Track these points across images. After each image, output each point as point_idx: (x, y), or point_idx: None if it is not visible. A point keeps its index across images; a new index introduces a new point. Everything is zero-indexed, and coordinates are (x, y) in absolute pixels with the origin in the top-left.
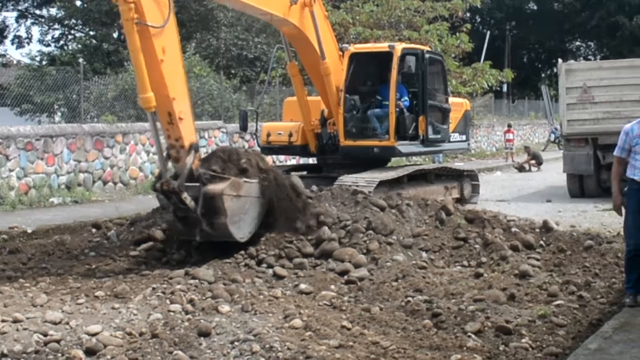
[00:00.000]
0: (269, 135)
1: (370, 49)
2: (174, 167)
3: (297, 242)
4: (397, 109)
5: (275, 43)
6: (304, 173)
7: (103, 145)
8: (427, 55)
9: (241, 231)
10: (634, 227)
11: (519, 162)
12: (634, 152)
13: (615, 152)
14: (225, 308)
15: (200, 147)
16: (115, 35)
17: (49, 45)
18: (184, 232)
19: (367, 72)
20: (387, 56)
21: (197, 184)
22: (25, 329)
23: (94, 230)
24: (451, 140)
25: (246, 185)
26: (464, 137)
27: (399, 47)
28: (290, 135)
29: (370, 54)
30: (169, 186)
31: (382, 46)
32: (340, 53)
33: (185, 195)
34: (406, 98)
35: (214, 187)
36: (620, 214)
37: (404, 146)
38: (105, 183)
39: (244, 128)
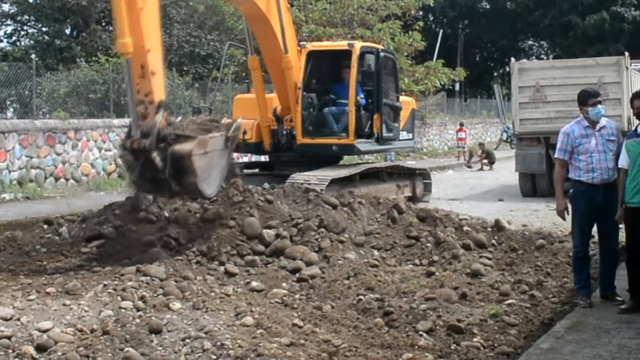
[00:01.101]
0: None
1: (329, 47)
2: (141, 125)
3: (249, 239)
4: (355, 107)
5: (228, 40)
6: (256, 170)
7: (55, 141)
8: (382, 54)
9: (210, 187)
10: (580, 229)
11: (470, 151)
12: (577, 152)
13: (557, 155)
14: (176, 305)
15: None
16: (67, 31)
17: (1, 41)
18: (151, 192)
19: (323, 70)
20: (345, 54)
21: (164, 144)
22: None
23: (45, 226)
24: (400, 138)
25: (212, 141)
26: (411, 136)
27: (358, 45)
28: (245, 132)
29: (328, 52)
30: (139, 145)
31: (341, 44)
32: (299, 48)
33: (155, 154)
34: (362, 96)
35: (182, 147)
36: (564, 219)
37: (362, 144)
38: (57, 179)
39: None
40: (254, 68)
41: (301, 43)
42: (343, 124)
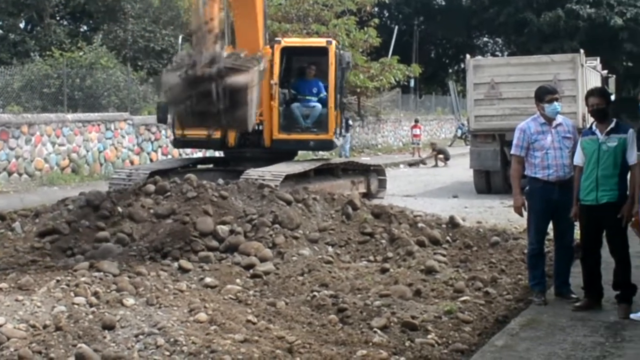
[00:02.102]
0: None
1: (304, 44)
2: (203, 53)
3: (203, 235)
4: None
5: (183, 35)
6: (211, 166)
7: (8, 136)
8: (342, 52)
9: (252, 120)
10: (536, 226)
11: (425, 157)
12: (533, 149)
13: (513, 151)
14: (130, 301)
15: (106, 139)
16: (22, 25)
17: None
18: (195, 124)
19: (292, 67)
20: (319, 51)
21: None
22: None
23: None
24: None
25: (258, 74)
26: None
27: (334, 43)
28: None
29: (302, 49)
30: (203, 73)
31: (318, 41)
32: (271, 44)
33: (216, 84)
34: (325, 93)
35: (239, 79)
36: (522, 215)
37: (336, 140)
38: (10, 174)
39: (163, 120)
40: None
41: (276, 39)
42: (314, 120)
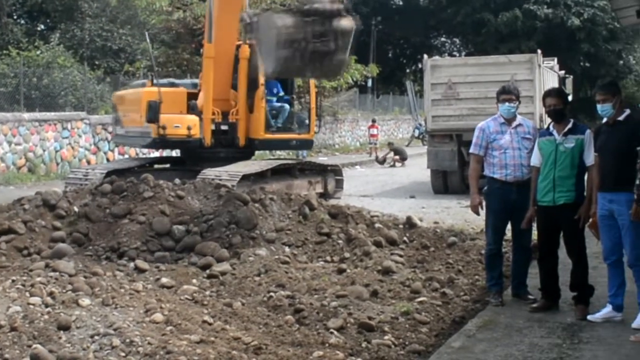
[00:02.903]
0: (164, 128)
1: None
2: None
3: (160, 235)
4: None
5: (140, 35)
6: (167, 166)
7: None
8: None
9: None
10: (494, 227)
11: (382, 156)
12: (491, 148)
13: (472, 150)
14: (85, 301)
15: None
16: None
17: None
18: (294, 71)
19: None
20: None
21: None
22: None
23: None
24: None
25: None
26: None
27: None
28: (190, 128)
29: None
30: (326, 8)
31: None
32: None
33: (333, 22)
34: (282, 93)
35: (348, 23)
36: (478, 214)
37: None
38: None
39: (154, 119)
40: (210, 56)
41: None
42: (283, 119)
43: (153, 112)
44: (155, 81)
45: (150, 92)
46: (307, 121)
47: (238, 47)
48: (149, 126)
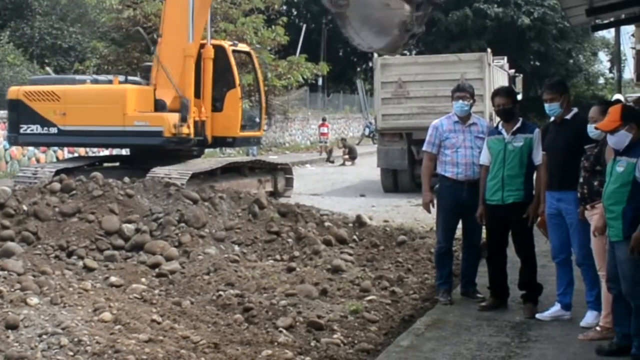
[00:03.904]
0: (180, 126)
1: (242, 48)
2: None
3: (109, 234)
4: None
5: (90, 33)
6: (117, 164)
7: None
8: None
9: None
10: (444, 225)
11: (330, 149)
12: (444, 146)
13: (425, 148)
14: (34, 300)
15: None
16: None
17: None
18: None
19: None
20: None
21: None
22: None
23: None
24: None
25: None
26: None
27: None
28: (189, 127)
29: (235, 52)
30: None
31: (242, 46)
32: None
33: None
34: None
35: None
36: (430, 211)
37: None
38: None
39: (186, 118)
40: (192, 55)
41: (234, 42)
42: (247, 118)
43: (186, 110)
44: (123, 79)
45: (144, 90)
46: (257, 119)
47: (202, 46)
48: (147, 123)
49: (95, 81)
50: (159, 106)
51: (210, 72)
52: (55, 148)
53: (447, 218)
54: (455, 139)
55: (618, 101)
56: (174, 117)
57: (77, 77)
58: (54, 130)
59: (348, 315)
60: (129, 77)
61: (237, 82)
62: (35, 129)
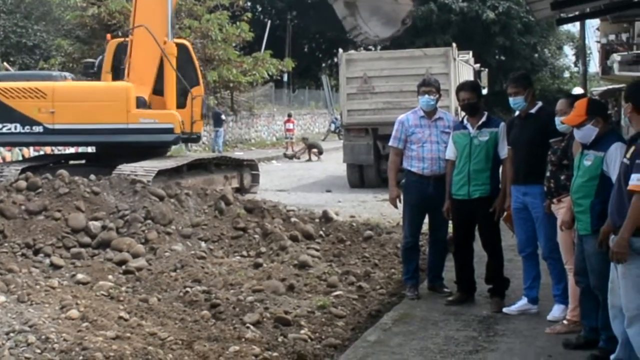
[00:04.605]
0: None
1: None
2: None
3: (75, 232)
4: None
5: (55, 31)
6: (83, 162)
7: None
8: None
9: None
10: (410, 220)
11: (295, 152)
12: (410, 141)
13: (391, 143)
14: (0, 298)
15: None
16: None
17: None
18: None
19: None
20: None
21: None
22: None
23: None
24: None
25: None
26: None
27: None
28: (184, 123)
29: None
30: None
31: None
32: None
33: None
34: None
35: None
36: (396, 206)
37: None
38: None
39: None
40: (173, 53)
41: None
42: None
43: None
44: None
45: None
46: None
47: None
48: (156, 121)
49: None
50: (140, 103)
51: (171, 69)
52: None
53: (413, 213)
54: (421, 134)
55: (583, 95)
56: (180, 115)
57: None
58: (38, 129)
59: (315, 310)
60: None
61: (201, 79)
62: (14, 127)
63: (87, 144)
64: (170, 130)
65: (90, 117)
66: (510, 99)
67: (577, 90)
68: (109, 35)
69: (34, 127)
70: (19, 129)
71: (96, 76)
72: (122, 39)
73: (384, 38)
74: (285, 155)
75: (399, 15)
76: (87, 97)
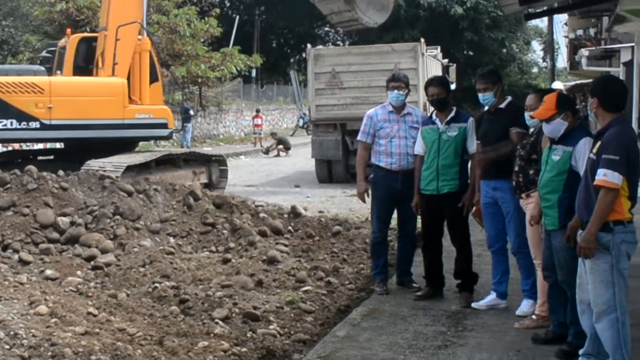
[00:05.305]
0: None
1: None
2: None
3: (44, 227)
4: None
5: (23, 27)
6: (51, 157)
7: None
8: None
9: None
10: (379, 215)
11: (266, 146)
12: (378, 136)
13: (359, 137)
14: None
15: None
16: None
17: None
18: None
19: None
20: None
21: None
22: None
23: None
24: None
25: None
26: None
27: None
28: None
29: None
30: None
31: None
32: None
33: None
34: None
35: None
36: (364, 201)
37: None
38: None
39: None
40: (147, 50)
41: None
42: None
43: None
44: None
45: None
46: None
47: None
48: (152, 116)
49: None
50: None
51: (146, 64)
52: None
53: (381, 208)
54: (390, 129)
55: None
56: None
57: None
58: (35, 124)
59: (284, 306)
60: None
61: (160, 76)
62: (10, 124)
63: (83, 140)
64: (164, 125)
65: (87, 112)
66: (480, 95)
67: (557, 85)
68: (69, 30)
69: (30, 123)
70: (15, 125)
71: (49, 72)
72: (83, 34)
73: (381, 23)
74: (262, 152)
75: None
76: (84, 92)
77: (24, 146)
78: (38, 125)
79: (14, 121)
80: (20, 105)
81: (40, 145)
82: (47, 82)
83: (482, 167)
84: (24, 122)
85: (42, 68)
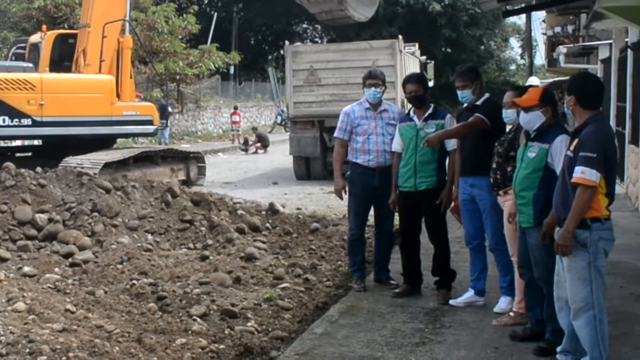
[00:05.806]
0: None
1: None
2: None
3: (21, 224)
4: None
5: (1, 24)
6: (29, 154)
7: None
8: None
9: None
10: (356, 212)
11: (245, 138)
12: (355, 133)
13: (336, 134)
14: None
15: None
16: None
17: None
18: None
19: None
20: None
21: None
22: None
23: None
24: None
25: None
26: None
27: None
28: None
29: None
30: None
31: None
32: None
33: None
34: None
35: None
36: (342, 198)
37: None
38: None
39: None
40: (128, 47)
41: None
42: None
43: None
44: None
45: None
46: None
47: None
48: (138, 113)
49: None
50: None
51: (128, 60)
52: None
53: (359, 205)
54: (367, 126)
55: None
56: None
57: None
58: (27, 121)
59: (262, 303)
60: None
61: (131, 73)
62: (2, 121)
63: (73, 137)
64: (150, 122)
65: (77, 109)
66: (459, 93)
67: (533, 81)
68: (44, 26)
69: (22, 120)
70: (7, 122)
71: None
72: (60, 31)
73: (370, 16)
74: (240, 149)
75: None
76: (75, 89)
77: (2, 143)
78: (30, 122)
79: (6, 118)
80: (12, 102)
81: (18, 142)
82: (38, 79)
83: (429, 147)
84: (16, 119)
85: (31, 65)
